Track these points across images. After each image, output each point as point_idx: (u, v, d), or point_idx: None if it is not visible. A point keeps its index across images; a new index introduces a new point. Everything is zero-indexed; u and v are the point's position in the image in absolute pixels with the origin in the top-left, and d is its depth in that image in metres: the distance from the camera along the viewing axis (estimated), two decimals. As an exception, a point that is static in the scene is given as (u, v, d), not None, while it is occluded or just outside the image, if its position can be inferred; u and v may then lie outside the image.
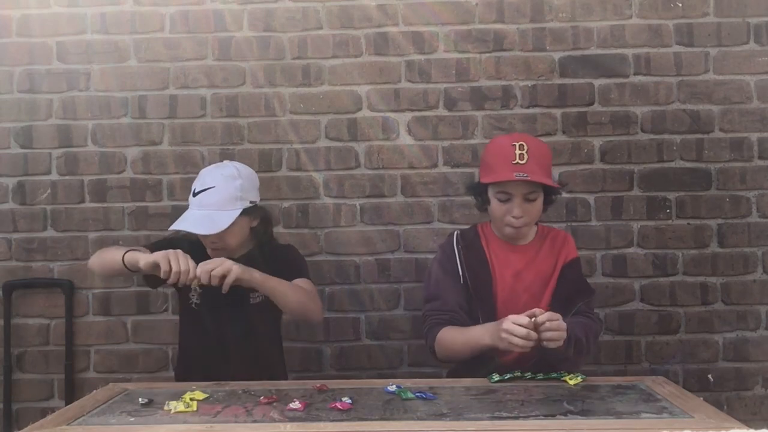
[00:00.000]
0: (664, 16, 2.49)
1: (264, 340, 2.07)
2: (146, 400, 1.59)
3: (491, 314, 1.88)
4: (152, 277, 1.95)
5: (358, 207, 2.52)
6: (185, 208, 2.00)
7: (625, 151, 2.49)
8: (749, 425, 1.36)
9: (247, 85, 2.53)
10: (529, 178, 1.79)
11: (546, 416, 1.44)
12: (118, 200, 2.53)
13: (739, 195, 2.48)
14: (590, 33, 2.50)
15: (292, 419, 1.44)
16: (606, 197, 2.49)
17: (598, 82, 2.50)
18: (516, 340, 1.62)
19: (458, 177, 2.49)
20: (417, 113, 2.51)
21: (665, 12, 2.49)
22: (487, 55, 2.51)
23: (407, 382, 1.74)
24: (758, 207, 2.48)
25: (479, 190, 1.95)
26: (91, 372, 2.53)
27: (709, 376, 2.46)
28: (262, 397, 1.60)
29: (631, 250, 2.49)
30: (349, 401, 1.54)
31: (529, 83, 2.50)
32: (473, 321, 1.86)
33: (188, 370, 2.04)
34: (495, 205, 1.88)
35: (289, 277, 2.02)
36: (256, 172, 2.14)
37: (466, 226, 2.06)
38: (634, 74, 2.49)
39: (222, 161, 2.13)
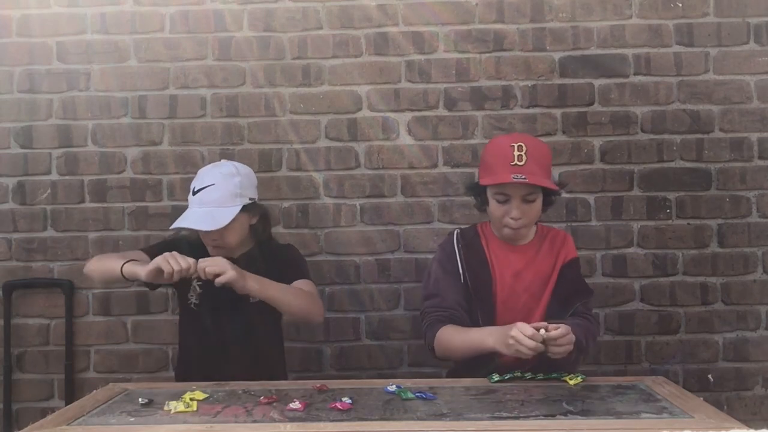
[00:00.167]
0: (664, 16, 2.49)
1: (264, 340, 2.07)
2: (146, 400, 1.59)
3: (491, 314, 1.88)
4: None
5: (358, 207, 2.52)
6: (185, 208, 2.00)
7: (625, 151, 2.49)
8: (749, 425, 1.36)
9: (247, 85, 2.53)
10: (526, 181, 1.78)
11: (546, 416, 1.44)
12: (118, 200, 2.53)
13: (739, 195, 2.48)
14: (590, 33, 2.50)
15: (292, 419, 1.44)
16: (606, 197, 2.49)
17: (598, 82, 2.50)
18: (524, 349, 1.60)
19: (458, 177, 2.49)
20: (417, 113, 2.51)
21: (665, 12, 2.49)
22: (487, 55, 2.51)
23: (407, 382, 1.74)
24: (758, 207, 2.48)
25: (478, 191, 1.95)
26: (91, 372, 2.53)
27: (709, 376, 2.47)
28: (262, 397, 1.60)
29: (631, 250, 2.49)
30: (349, 401, 1.54)
31: (529, 83, 2.50)
32: (472, 321, 1.86)
33: (188, 370, 2.04)
34: (493, 206, 1.88)
35: (289, 277, 2.02)
36: (256, 172, 2.15)
37: (466, 226, 2.06)
38: (634, 74, 2.49)
39: (219, 161, 2.13)
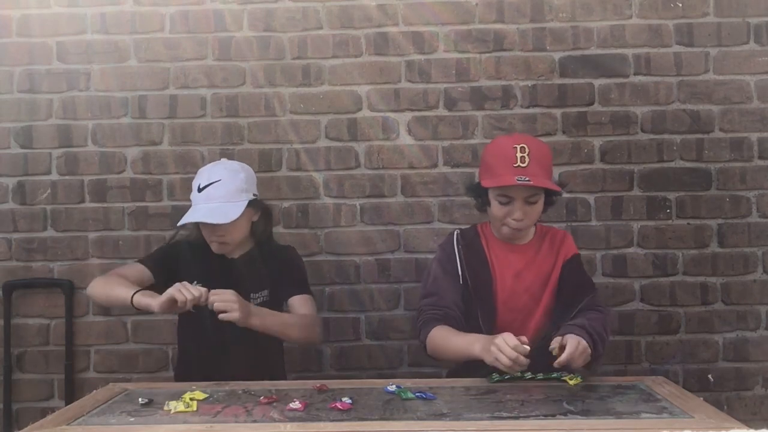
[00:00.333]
0: (664, 16, 2.49)
1: (264, 340, 2.06)
2: (146, 400, 1.59)
3: (491, 315, 1.88)
4: (163, 275, 2.00)
5: (358, 207, 2.52)
6: (185, 207, 2.00)
7: (625, 151, 2.49)
8: (749, 425, 1.36)
9: (247, 85, 2.53)
10: (531, 183, 1.78)
11: (546, 416, 1.44)
12: (118, 200, 2.53)
13: (739, 195, 2.48)
14: (590, 33, 2.50)
15: (292, 419, 1.44)
16: (606, 197, 2.49)
17: (598, 82, 2.50)
18: (503, 359, 1.57)
19: (458, 177, 2.49)
20: (417, 113, 2.51)
21: (665, 12, 2.49)
22: (487, 55, 2.51)
23: (407, 382, 1.73)
24: (758, 207, 2.48)
25: (479, 192, 1.94)
26: (91, 372, 2.53)
27: (709, 376, 2.47)
28: (262, 397, 1.60)
29: (631, 250, 2.49)
30: (349, 401, 1.54)
31: (529, 83, 2.50)
32: (472, 321, 1.86)
33: (188, 370, 2.04)
34: (495, 208, 1.88)
35: (288, 285, 2.05)
36: (256, 172, 2.16)
37: (466, 226, 2.06)
38: (634, 74, 2.49)
39: (219, 160, 2.14)
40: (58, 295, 2.52)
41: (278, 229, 2.44)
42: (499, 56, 2.51)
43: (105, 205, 2.53)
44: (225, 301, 1.76)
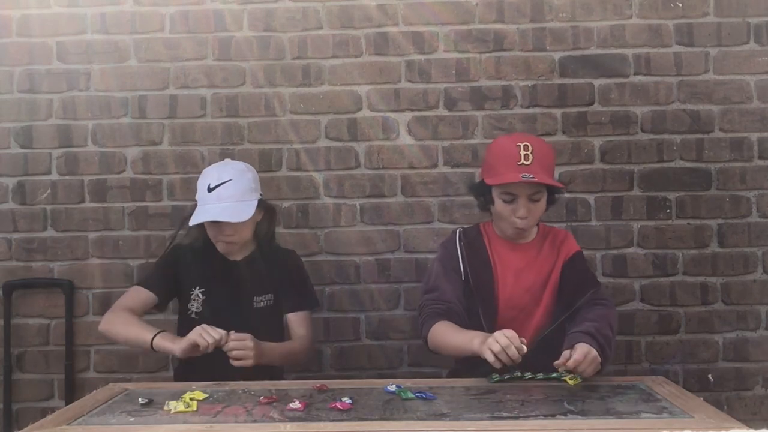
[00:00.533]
0: (664, 16, 2.49)
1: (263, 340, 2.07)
2: (146, 400, 1.59)
3: (492, 313, 1.88)
4: (167, 293, 2.05)
5: (358, 207, 2.52)
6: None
7: (625, 151, 2.49)
8: (749, 425, 1.36)
9: (247, 85, 2.53)
10: (535, 180, 1.79)
11: (546, 416, 1.44)
12: (118, 200, 2.53)
13: (739, 195, 2.48)
14: (590, 33, 2.50)
15: (292, 419, 1.44)
16: (606, 197, 2.49)
17: (598, 82, 2.50)
18: (495, 346, 1.57)
19: (458, 177, 2.49)
20: (417, 113, 2.51)
21: (665, 12, 2.49)
22: (487, 55, 2.51)
23: (407, 382, 1.73)
24: (758, 207, 2.48)
25: (482, 191, 1.95)
26: (91, 372, 2.53)
27: (709, 376, 2.47)
28: (262, 397, 1.60)
29: (631, 250, 2.49)
30: (349, 401, 1.54)
31: (529, 83, 2.50)
32: (474, 319, 1.86)
33: (188, 371, 2.04)
34: (500, 206, 1.88)
35: (289, 293, 2.08)
36: (256, 172, 2.15)
37: (468, 226, 2.06)
38: (634, 74, 2.49)
39: (224, 160, 2.14)
40: (58, 295, 2.52)
41: (278, 229, 2.43)
42: (499, 56, 2.51)
43: (105, 205, 2.53)
44: (244, 348, 1.80)
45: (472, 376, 1.78)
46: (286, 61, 2.53)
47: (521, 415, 1.45)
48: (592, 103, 2.50)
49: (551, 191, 1.91)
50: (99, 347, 2.52)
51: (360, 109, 2.52)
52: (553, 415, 1.44)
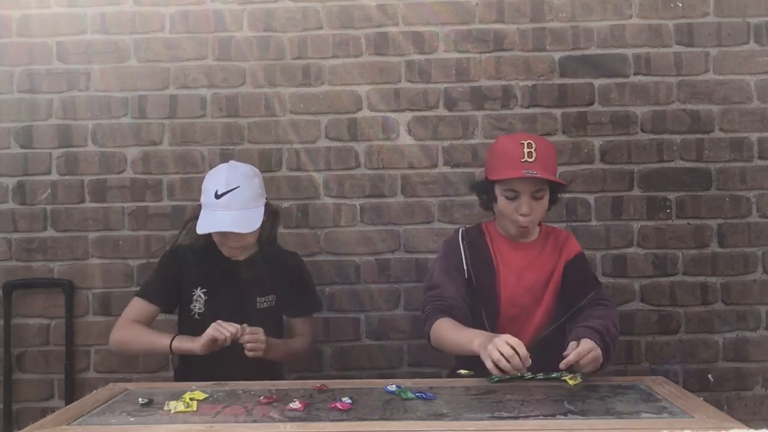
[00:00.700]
0: (664, 16, 2.49)
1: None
2: (146, 400, 1.59)
3: (494, 312, 1.89)
4: (169, 300, 2.08)
5: (358, 207, 2.52)
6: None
7: (625, 151, 2.49)
8: (749, 425, 1.36)
9: (247, 85, 2.53)
10: (538, 175, 1.80)
11: (546, 416, 1.44)
12: (118, 200, 2.53)
13: (739, 195, 2.48)
14: (590, 33, 2.50)
15: (292, 419, 1.44)
16: (606, 197, 2.49)
17: (598, 82, 2.50)
18: (495, 355, 1.56)
19: (458, 177, 2.49)
20: (417, 113, 2.51)
21: (665, 12, 2.49)
22: (487, 55, 2.51)
23: (407, 382, 1.74)
24: (758, 207, 2.48)
25: (485, 189, 1.95)
26: (91, 372, 2.53)
27: (709, 376, 2.47)
28: (262, 397, 1.60)
29: (631, 250, 2.49)
30: (349, 401, 1.54)
31: (529, 83, 2.50)
32: (476, 318, 1.87)
33: (188, 371, 2.04)
34: (502, 203, 1.89)
35: (292, 297, 2.10)
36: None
37: (469, 226, 2.06)
38: (634, 74, 2.49)
39: (228, 162, 2.11)
40: (58, 295, 2.52)
41: (279, 230, 2.43)
42: (499, 56, 2.51)
43: (105, 205, 2.53)
44: (257, 341, 1.89)
45: (473, 375, 1.78)
46: (286, 61, 2.53)
47: (521, 415, 1.45)
48: (592, 103, 2.50)
49: (553, 190, 1.91)
50: (99, 347, 2.52)
51: (360, 109, 2.52)
52: (553, 415, 1.44)
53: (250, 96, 2.53)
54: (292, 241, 2.46)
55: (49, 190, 2.53)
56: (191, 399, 1.58)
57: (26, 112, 2.54)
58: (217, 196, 1.96)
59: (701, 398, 1.59)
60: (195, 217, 2.02)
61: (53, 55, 2.54)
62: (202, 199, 2.01)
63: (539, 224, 1.99)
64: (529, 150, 1.83)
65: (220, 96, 2.53)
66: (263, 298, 2.06)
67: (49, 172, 2.54)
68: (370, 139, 2.52)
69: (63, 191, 2.53)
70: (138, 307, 2.04)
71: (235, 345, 1.99)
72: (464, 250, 1.94)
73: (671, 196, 2.48)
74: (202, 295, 2.03)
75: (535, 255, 1.95)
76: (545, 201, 1.89)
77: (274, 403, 1.55)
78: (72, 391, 2.49)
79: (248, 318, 1.99)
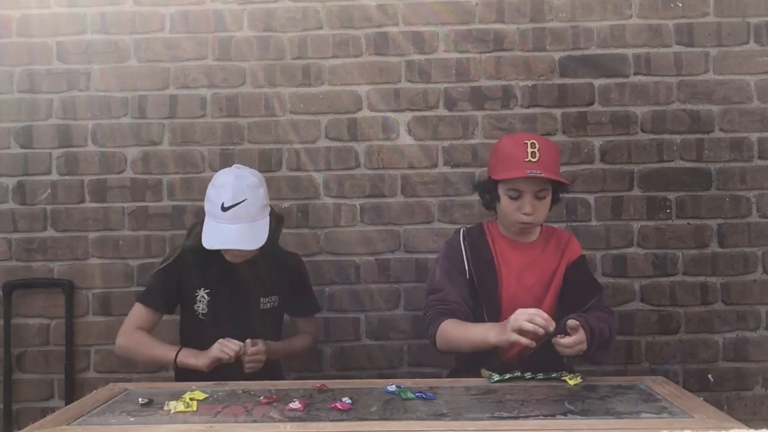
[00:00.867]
0: (664, 16, 2.49)
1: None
2: (146, 400, 1.59)
3: (496, 311, 1.89)
4: (171, 306, 2.11)
5: (358, 207, 2.52)
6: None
7: (625, 151, 2.49)
8: (749, 425, 1.36)
9: (247, 85, 2.53)
10: (542, 175, 1.81)
11: (546, 416, 1.44)
12: (118, 200, 2.53)
13: (739, 195, 2.48)
14: (590, 33, 2.50)
15: (292, 419, 1.44)
16: (606, 197, 2.49)
17: (598, 82, 2.50)
18: (528, 326, 1.59)
19: (458, 177, 2.49)
20: (417, 113, 2.51)
21: (665, 12, 2.49)
22: (487, 55, 2.51)
23: (407, 382, 1.74)
24: (758, 207, 2.48)
25: (488, 188, 1.95)
26: (91, 372, 2.53)
27: (709, 376, 2.47)
28: (262, 397, 1.60)
29: (631, 250, 2.49)
30: (349, 401, 1.54)
31: (529, 83, 2.50)
32: (477, 318, 1.87)
33: (188, 371, 2.03)
34: (505, 203, 1.89)
35: (295, 299, 2.12)
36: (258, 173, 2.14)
37: (470, 226, 2.06)
38: (634, 74, 2.49)
39: (232, 166, 2.08)
40: (58, 295, 2.52)
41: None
42: (499, 56, 2.51)
43: (105, 205, 2.53)
44: (258, 361, 1.92)
45: (472, 376, 1.78)
46: (286, 61, 2.53)
47: (521, 415, 1.45)
48: (592, 103, 2.50)
49: (555, 190, 1.91)
50: (99, 347, 2.52)
51: (360, 109, 2.52)
52: (553, 415, 1.44)
53: (250, 96, 2.53)
54: (292, 241, 2.46)
55: (49, 190, 2.53)
56: (191, 399, 1.58)
57: (26, 112, 2.54)
58: (224, 209, 1.93)
59: (701, 398, 1.59)
60: (199, 222, 2.02)
61: (53, 55, 2.54)
62: (207, 208, 1.98)
63: (541, 224, 1.99)
64: (532, 150, 1.83)
65: (220, 96, 2.53)
66: (267, 299, 2.06)
67: (49, 172, 2.54)
68: (370, 139, 2.52)
69: (63, 191, 2.53)
70: (140, 314, 2.06)
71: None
72: (466, 251, 1.94)
73: (671, 196, 2.48)
74: (206, 296, 2.03)
75: (537, 255, 1.95)
76: (548, 201, 1.90)
77: (274, 403, 1.56)
78: (72, 391, 2.49)
79: (251, 318, 2.00)
